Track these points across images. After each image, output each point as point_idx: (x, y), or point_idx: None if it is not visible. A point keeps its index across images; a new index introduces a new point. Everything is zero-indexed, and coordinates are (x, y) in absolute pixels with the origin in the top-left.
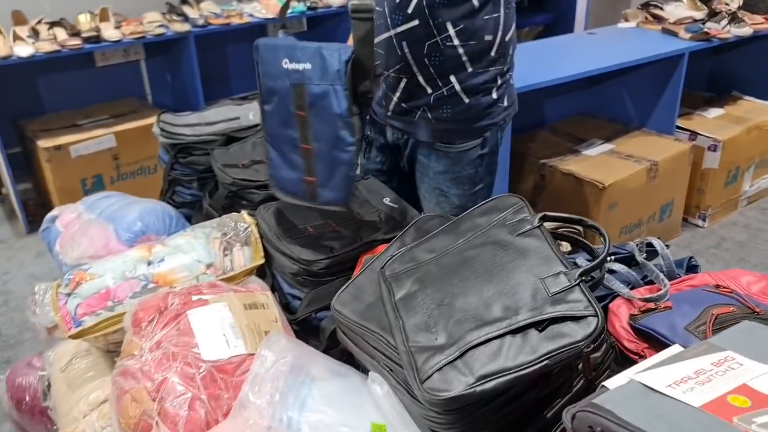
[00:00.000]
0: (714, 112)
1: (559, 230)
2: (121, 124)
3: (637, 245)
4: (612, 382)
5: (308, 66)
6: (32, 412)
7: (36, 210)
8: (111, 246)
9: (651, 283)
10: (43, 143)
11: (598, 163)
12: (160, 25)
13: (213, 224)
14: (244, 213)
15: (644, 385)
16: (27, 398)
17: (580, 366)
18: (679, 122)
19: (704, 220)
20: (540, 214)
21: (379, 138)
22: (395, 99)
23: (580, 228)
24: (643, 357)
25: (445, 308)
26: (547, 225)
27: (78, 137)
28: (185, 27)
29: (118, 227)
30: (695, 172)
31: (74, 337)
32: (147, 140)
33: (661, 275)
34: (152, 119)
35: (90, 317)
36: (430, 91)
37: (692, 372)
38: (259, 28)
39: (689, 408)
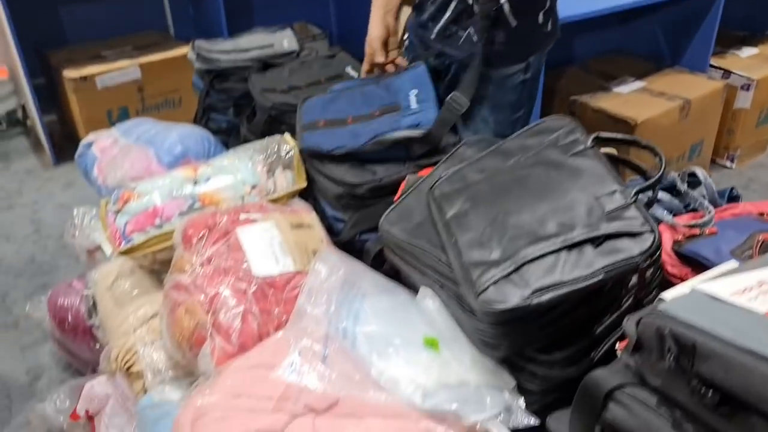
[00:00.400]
0: (748, 51)
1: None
2: (146, 56)
3: (678, 175)
4: (669, 294)
5: None
6: (75, 332)
7: (61, 141)
8: (152, 168)
9: (694, 211)
10: (69, 73)
11: (629, 100)
12: None
13: (255, 147)
14: (287, 135)
15: (707, 294)
16: (69, 318)
17: (631, 283)
18: (713, 61)
19: (732, 161)
20: (593, 135)
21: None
22: (443, 21)
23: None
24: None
25: (499, 225)
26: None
27: (103, 68)
28: None
29: (158, 150)
30: (726, 112)
31: (124, 253)
32: (172, 73)
33: (705, 202)
34: (176, 52)
35: (139, 234)
36: (478, 11)
37: (755, 282)
38: None
39: (754, 315)
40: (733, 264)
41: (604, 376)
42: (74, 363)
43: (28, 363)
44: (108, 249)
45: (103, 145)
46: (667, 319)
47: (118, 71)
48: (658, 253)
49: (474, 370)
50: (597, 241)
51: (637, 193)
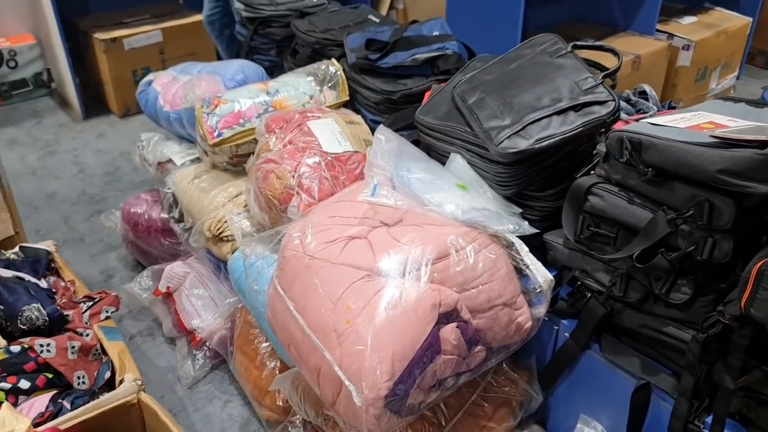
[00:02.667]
0: (688, 20)
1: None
2: (165, 22)
3: (631, 91)
4: None
5: None
6: (148, 232)
7: (87, 100)
8: (221, 90)
9: (642, 113)
10: (99, 36)
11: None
12: None
13: (308, 69)
14: (333, 60)
15: (648, 121)
16: (141, 221)
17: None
18: (658, 26)
19: None
20: (572, 43)
21: None
22: None
23: None
24: None
25: (507, 104)
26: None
27: (130, 31)
28: None
29: (223, 77)
30: (670, 69)
31: (216, 144)
32: (188, 37)
33: (651, 106)
34: (191, 18)
35: (227, 130)
36: None
37: (678, 117)
38: None
39: (678, 128)
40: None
41: (585, 179)
42: (144, 261)
43: (99, 267)
44: (178, 160)
45: (163, 82)
46: (623, 132)
47: (143, 34)
48: (617, 114)
49: (493, 202)
50: (577, 108)
51: (604, 77)
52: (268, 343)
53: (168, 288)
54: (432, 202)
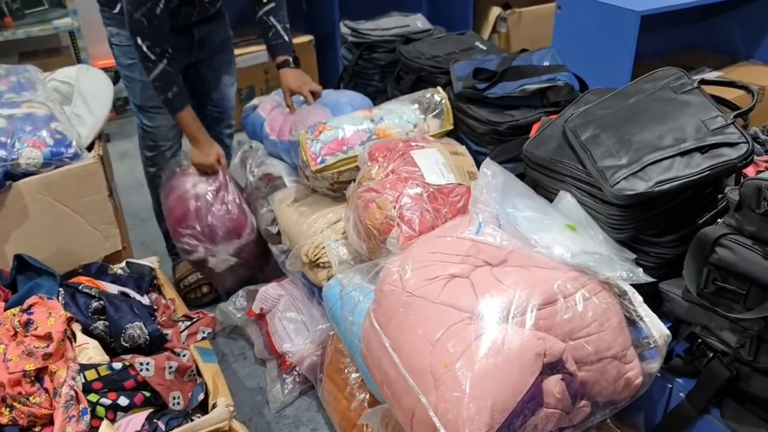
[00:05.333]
0: None
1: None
2: None
3: (759, 128)
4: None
5: None
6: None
7: None
8: None
9: None
10: None
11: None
12: None
13: (412, 97)
14: (438, 88)
15: None
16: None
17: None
18: None
19: None
20: (698, 77)
21: None
22: None
23: None
24: None
25: (625, 142)
26: None
27: (238, 51)
28: None
29: (332, 109)
30: None
31: (319, 171)
32: None
33: None
34: (296, 39)
35: (331, 157)
36: None
37: None
38: None
39: None
40: None
41: (713, 229)
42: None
43: None
44: (288, 179)
45: (267, 108)
46: (762, 180)
47: (250, 54)
48: (751, 158)
49: (605, 246)
50: (703, 150)
51: (735, 116)
52: (358, 374)
53: (261, 309)
54: (539, 243)
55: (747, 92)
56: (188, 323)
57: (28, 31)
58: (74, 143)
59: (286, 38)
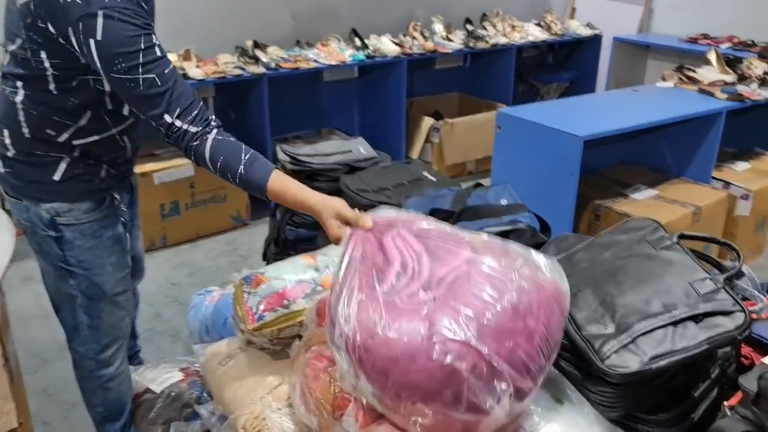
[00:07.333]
0: (741, 166)
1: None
2: None
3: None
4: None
5: None
6: None
7: None
8: None
9: (744, 299)
10: None
11: (647, 205)
12: (236, 66)
13: None
14: None
15: None
16: None
17: (718, 356)
18: (713, 173)
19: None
20: (678, 233)
21: None
22: None
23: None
24: (748, 358)
25: (608, 305)
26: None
27: (161, 165)
28: (260, 69)
29: None
30: (728, 219)
31: (256, 329)
32: None
33: (755, 292)
34: None
35: (270, 313)
36: None
37: None
38: (317, 73)
39: None
40: None
41: (729, 426)
42: None
43: None
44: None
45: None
46: None
47: (174, 168)
48: (749, 330)
49: (596, 425)
50: (697, 319)
51: (726, 280)
52: None
53: None
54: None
55: (731, 250)
56: None
57: None
58: None
59: None
